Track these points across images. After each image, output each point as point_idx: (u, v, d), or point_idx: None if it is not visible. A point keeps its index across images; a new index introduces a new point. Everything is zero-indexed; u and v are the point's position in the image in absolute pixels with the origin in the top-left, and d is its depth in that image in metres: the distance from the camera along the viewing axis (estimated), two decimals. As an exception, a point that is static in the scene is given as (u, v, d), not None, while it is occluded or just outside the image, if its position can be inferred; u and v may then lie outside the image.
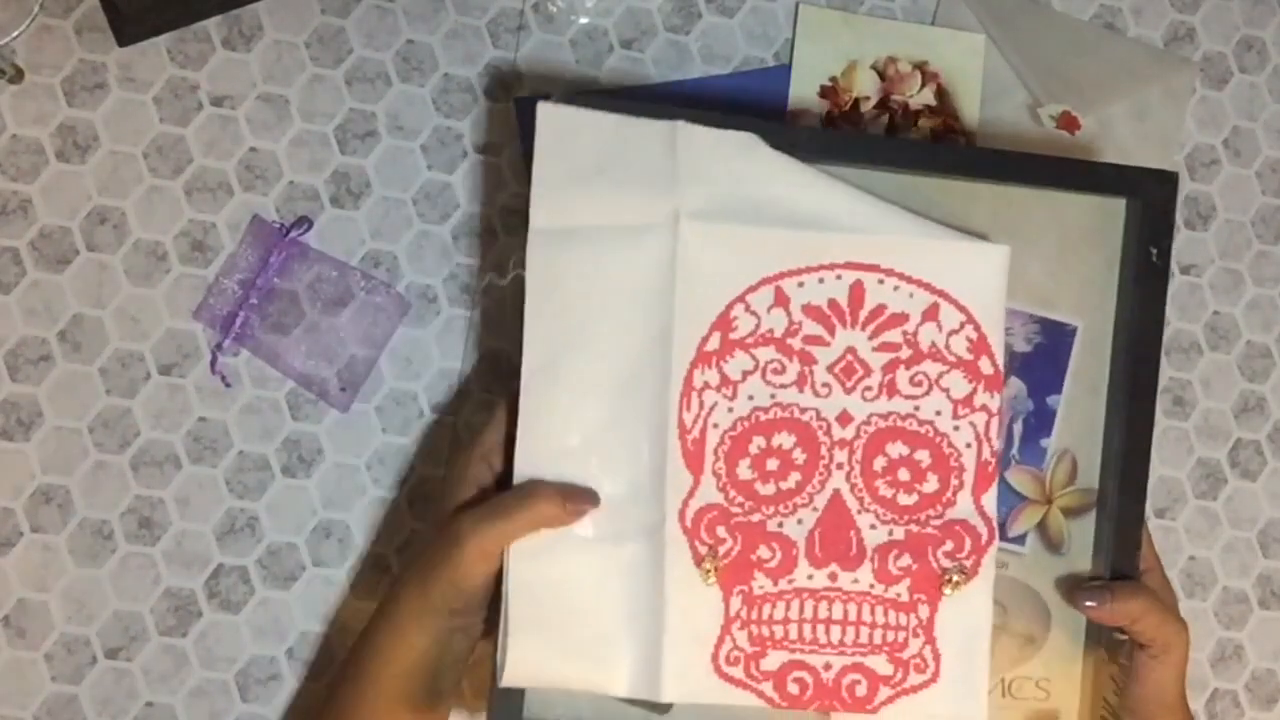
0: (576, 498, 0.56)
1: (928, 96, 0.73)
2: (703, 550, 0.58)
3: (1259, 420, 0.75)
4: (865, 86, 0.72)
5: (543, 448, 0.57)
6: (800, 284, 0.58)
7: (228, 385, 0.67)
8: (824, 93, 0.72)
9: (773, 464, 0.58)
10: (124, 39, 0.67)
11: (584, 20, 0.71)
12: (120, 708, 0.65)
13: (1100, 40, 0.75)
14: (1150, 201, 0.61)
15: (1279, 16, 0.77)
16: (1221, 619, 0.73)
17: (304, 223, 0.68)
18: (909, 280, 0.59)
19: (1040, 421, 0.62)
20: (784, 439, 0.58)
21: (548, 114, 0.58)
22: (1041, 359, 0.62)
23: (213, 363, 0.67)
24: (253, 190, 0.68)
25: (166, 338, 0.67)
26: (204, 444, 0.67)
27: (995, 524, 0.59)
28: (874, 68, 0.72)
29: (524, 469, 0.57)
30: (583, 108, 0.58)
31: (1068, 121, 0.73)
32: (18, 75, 0.67)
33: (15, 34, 0.67)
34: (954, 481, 0.59)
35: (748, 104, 0.71)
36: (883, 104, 0.72)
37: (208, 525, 0.67)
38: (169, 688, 0.66)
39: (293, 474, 0.67)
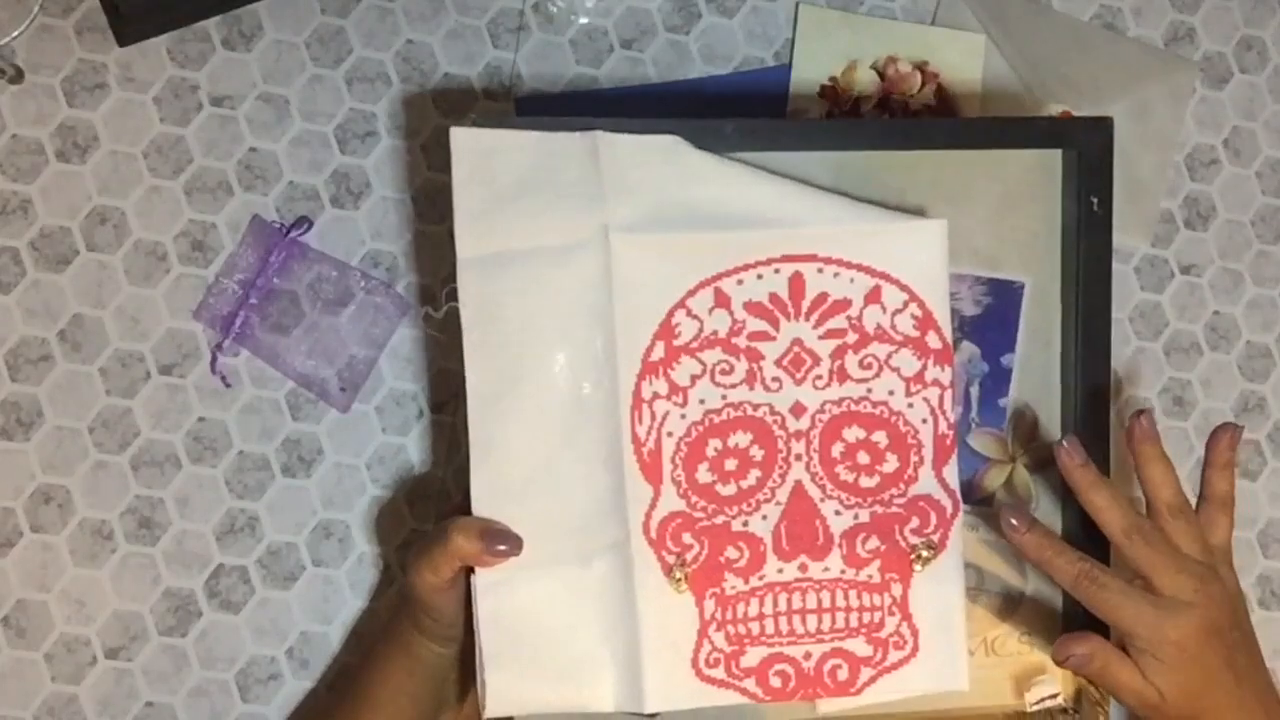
0: (498, 537, 0.56)
1: (928, 96, 0.73)
2: (670, 559, 0.58)
3: (1259, 420, 0.75)
4: (865, 86, 0.72)
5: (497, 479, 0.57)
6: (739, 282, 0.58)
7: (228, 385, 0.67)
8: (824, 93, 0.72)
9: (731, 464, 0.58)
10: (124, 39, 0.67)
11: (584, 20, 0.71)
12: (120, 708, 0.65)
13: (1100, 40, 0.75)
14: (1086, 151, 0.61)
15: (1279, 16, 0.77)
16: (1221, 619, 0.73)
17: (304, 223, 0.68)
18: (848, 266, 0.58)
19: (996, 381, 0.62)
20: (740, 438, 0.58)
21: (462, 140, 0.56)
22: (992, 319, 0.62)
23: (213, 363, 0.67)
24: (253, 190, 0.68)
25: (166, 338, 0.67)
26: (204, 444, 0.67)
27: (959, 495, 0.59)
28: (874, 68, 0.72)
29: (480, 501, 0.57)
30: (499, 128, 0.57)
31: (1068, 121, 0.74)
32: (18, 75, 0.67)
33: (15, 34, 0.67)
34: (913, 458, 0.59)
35: (747, 104, 0.71)
36: (883, 104, 0.72)
37: (208, 525, 0.67)
38: (169, 688, 0.66)
39: (293, 474, 0.67)
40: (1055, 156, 0.62)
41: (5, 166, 0.67)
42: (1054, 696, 0.61)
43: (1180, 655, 0.55)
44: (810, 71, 0.72)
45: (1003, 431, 0.62)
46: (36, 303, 0.66)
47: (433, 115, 0.70)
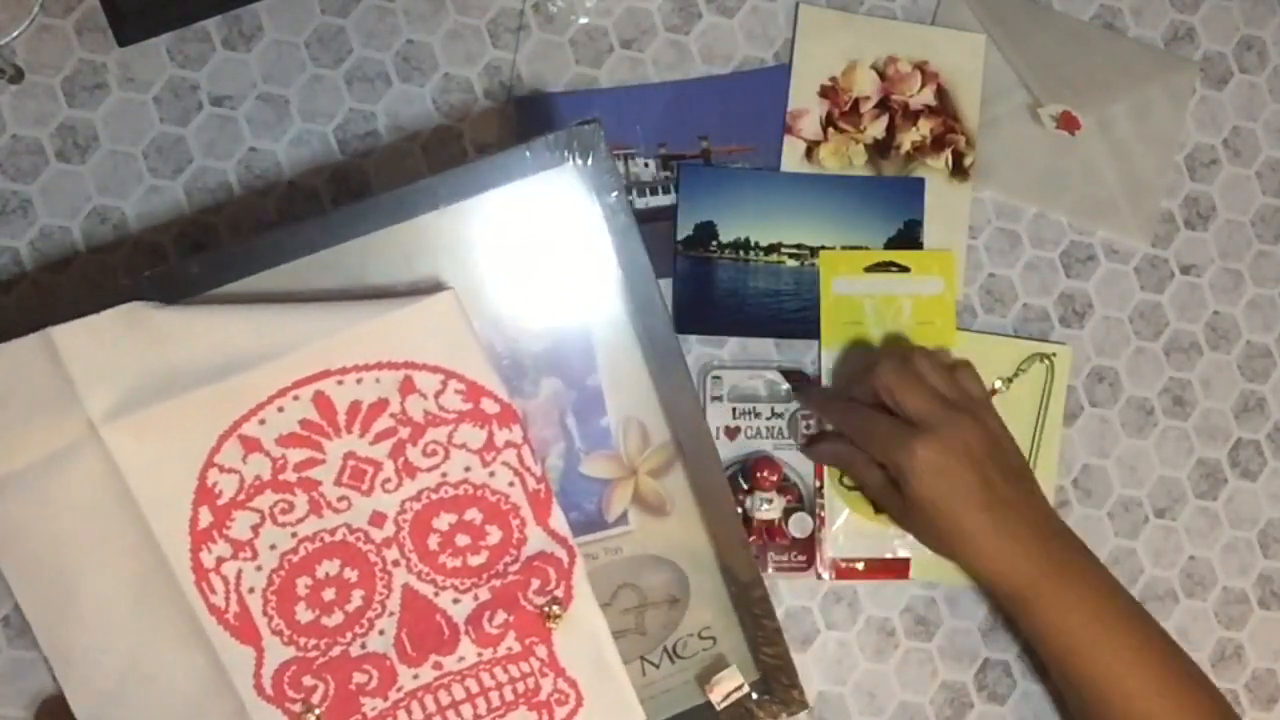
0: None
1: (928, 96, 0.73)
2: (296, 708, 0.57)
3: (1259, 420, 0.75)
4: (865, 86, 0.72)
5: (90, 691, 0.57)
6: (261, 422, 0.56)
7: None
8: (824, 93, 0.72)
9: (329, 594, 0.57)
10: (124, 39, 0.67)
11: (584, 20, 0.71)
12: (120, 708, 0.65)
13: (1100, 40, 0.75)
14: (585, 159, 0.58)
15: (1279, 16, 0.77)
16: (1221, 619, 0.73)
17: (304, 223, 0.68)
18: (367, 368, 0.56)
19: (590, 405, 0.61)
20: (329, 566, 0.57)
21: None
22: (564, 347, 0.60)
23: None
24: (252, 191, 0.68)
25: (166, 338, 0.67)
26: None
27: (572, 542, 0.59)
28: (874, 68, 0.72)
29: (84, 715, 0.57)
30: None
31: (1068, 121, 0.74)
32: (18, 75, 0.67)
33: (15, 34, 0.67)
34: (514, 521, 0.58)
35: (747, 104, 0.71)
36: (883, 104, 0.72)
37: None
38: None
39: None
40: (565, 171, 0.58)
41: (5, 166, 0.67)
42: (739, 689, 0.61)
43: (928, 469, 0.60)
44: (810, 71, 0.72)
45: (613, 450, 0.61)
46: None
47: (433, 115, 0.70)
